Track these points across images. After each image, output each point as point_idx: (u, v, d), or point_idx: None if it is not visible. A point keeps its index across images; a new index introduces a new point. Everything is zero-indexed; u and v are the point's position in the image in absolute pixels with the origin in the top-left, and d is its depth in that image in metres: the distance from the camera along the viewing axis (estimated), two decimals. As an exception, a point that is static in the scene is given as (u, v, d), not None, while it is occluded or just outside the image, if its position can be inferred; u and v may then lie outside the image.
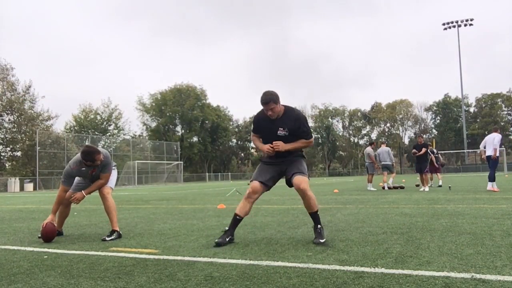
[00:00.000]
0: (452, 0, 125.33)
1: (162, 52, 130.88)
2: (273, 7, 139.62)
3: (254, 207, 8.39)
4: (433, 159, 15.01)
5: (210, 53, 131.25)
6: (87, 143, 45.28)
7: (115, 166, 5.27)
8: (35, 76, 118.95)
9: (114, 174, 5.17)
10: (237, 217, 4.22)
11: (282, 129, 4.19)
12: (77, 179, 5.05)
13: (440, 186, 15.24)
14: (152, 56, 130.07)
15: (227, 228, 4.24)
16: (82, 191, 4.87)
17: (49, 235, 4.61)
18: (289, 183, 4.24)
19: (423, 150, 13.32)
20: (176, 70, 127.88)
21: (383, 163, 15.17)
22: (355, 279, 2.67)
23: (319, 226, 4.16)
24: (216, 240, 4.07)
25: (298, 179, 4.10)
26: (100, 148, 4.94)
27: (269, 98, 4.08)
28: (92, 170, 4.86)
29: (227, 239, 4.10)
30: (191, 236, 4.67)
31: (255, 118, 4.45)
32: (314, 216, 4.20)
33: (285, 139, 4.19)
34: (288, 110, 4.25)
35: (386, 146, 15.66)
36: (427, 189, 12.90)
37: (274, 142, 4.16)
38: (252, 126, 4.53)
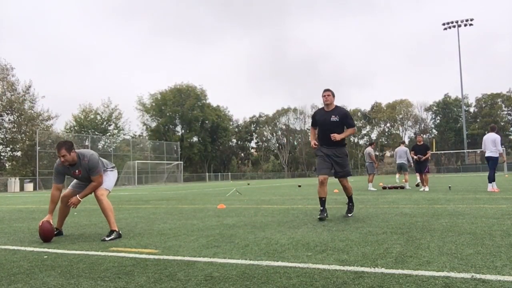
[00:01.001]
0: (452, 0, 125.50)
1: (162, 52, 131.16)
2: (272, 6, 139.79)
3: (254, 207, 8.41)
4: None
5: (210, 53, 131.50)
6: (87, 143, 45.48)
7: (114, 167, 5.22)
8: (35, 76, 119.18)
9: (111, 175, 5.11)
10: (322, 198, 5.87)
11: (334, 116, 5.90)
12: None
13: (417, 185, 14.35)
14: (152, 56, 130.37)
15: (322, 208, 5.80)
16: (77, 195, 4.83)
17: (46, 234, 4.60)
18: (335, 175, 6.01)
19: (428, 153, 13.28)
20: (176, 70, 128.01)
21: (398, 162, 15.11)
22: (355, 279, 2.66)
23: (350, 203, 6.23)
24: (318, 217, 5.70)
25: (343, 177, 6.02)
26: (86, 150, 4.88)
27: (329, 89, 6.00)
28: (77, 171, 4.79)
29: (325, 214, 5.75)
30: (191, 236, 4.67)
31: (313, 114, 6.27)
32: (349, 197, 6.23)
33: (336, 123, 5.86)
34: (338, 106, 6.06)
35: (405, 146, 15.49)
36: (427, 189, 12.90)
37: (332, 135, 5.74)
38: (311, 121, 6.29)
